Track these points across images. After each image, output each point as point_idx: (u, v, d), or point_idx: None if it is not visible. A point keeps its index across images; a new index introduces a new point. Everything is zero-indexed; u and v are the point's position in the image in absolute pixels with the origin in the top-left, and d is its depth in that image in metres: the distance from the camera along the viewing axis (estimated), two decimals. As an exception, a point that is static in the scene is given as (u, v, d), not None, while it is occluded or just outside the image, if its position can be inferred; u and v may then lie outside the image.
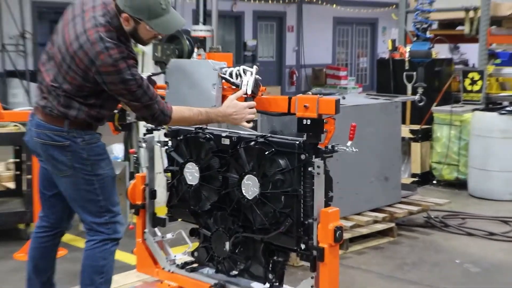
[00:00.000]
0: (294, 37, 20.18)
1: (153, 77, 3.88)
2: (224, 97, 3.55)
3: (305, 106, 3.25)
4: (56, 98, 3.29)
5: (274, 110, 3.50)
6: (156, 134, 3.99)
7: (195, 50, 3.71)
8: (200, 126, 3.75)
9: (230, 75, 3.54)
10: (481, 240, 5.88)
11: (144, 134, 3.96)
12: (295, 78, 20.10)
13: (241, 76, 3.52)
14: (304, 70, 20.05)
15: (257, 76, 3.46)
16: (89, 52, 3.16)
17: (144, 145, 3.95)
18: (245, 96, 3.43)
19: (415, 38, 7.67)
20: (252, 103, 3.47)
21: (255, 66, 3.50)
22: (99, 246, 3.40)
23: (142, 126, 4.25)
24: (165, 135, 3.91)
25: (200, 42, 5.13)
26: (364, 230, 5.54)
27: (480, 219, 6.50)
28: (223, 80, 3.54)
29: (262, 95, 3.53)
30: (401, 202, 6.09)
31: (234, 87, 3.53)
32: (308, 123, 3.24)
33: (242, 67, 3.54)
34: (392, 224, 5.79)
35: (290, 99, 3.36)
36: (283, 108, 3.42)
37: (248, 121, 3.49)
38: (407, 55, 7.97)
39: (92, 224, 3.41)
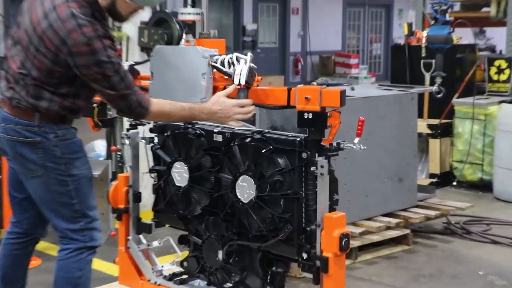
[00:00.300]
0: (299, 21, 20.19)
1: (138, 66, 3.89)
2: (215, 89, 3.55)
3: (306, 98, 3.25)
4: (24, 87, 3.27)
5: (271, 103, 3.50)
6: (141, 130, 4.00)
7: (183, 36, 3.70)
8: (190, 122, 3.75)
9: (222, 63, 3.55)
10: (508, 248, 5.88)
11: (128, 130, 3.97)
12: (300, 67, 20.10)
13: (234, 65, 3.52)
14: (310, 57, 20.06)
15: (252, 65, 3.45)
16: (60, 31, 3.13)
17: (127, 141, 3.97)
18: (238, 87, 3.43)
19: (433, 22, 7.67)
20: (244, 101, 3.41)
21: (249, 54, 3.50)
22: (73, 256, 3.40)
23: (126, 120, 4.26)
24: (151, 130, 3.92)
25: (189, 27, 5.13)
26: (375, 237, 5.54)
27: (506, 225, 6.51)
28: (214, 70, 3.54)
29: (257, 86, 3.53)
30: (417, 206, 6.09)
31: (226, 77, 3.53)
32: (310, 117, 3.24)
33: (235, 54, 3.54)
34: (407, 231, 5.79)
35: (289, 90, 3.36)
36: (281, 101, 3.42)
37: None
38: (423, 40, 7.96)
39: (66, 231, 3.41)
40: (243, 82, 3.41)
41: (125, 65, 3.81)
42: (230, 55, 3.56)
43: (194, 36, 5.38)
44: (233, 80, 3.43)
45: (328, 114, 3.25)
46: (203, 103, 3.44)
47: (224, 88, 3.55)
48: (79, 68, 3.17)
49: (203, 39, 3.86)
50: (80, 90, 3.31)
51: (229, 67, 3.54)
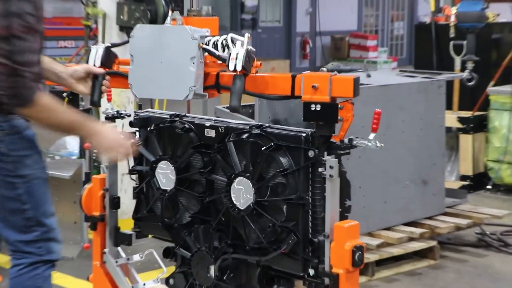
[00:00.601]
0: (249, 34, 20.18)
1: (116, 49, 3.90)
2: (207, 76, 3.57)
3: (313, 87, 3.26)
4: None
5: (273, 93, 3.51)
6: (119, 124, 4.01)
7: (170, 13, 3.71)
8: (178, 114, 3.77)
9: (215, 46, 3.56)
10: (551, 263, 5.90)
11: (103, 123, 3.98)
12: (309, 50, 20.11)
13: (228, 48, 3.53)
14: (320, 39, 20.06)
15: (250, 48, 3.47)
16: None
17: (103, 138, 3.97)
18: (234, 73, 3.44)
19: (464, -4, 7.68)
20: (133, 141, 3.50)
21: (247, 35, 3.51)
22: (27, 272, 3.41)
23: (102, 112, 4.28)
24: (131, 124, 3.93)
25: (175, 3, 5.14)
26: (396, 251, 5.56)
27: (550, 236, 6.53)
28: (205, 53, 3.55)
29: (256, 72, 3.54)
30: (445, 214, 6.11)
31: (219, 62, 3.54)
32: (318, 109, 3.26)
33: (230, 35, 3.55)
34: (434, 243, 5.81)
35: (294, 77, 3.37)
36: (284, 90, 3.43)
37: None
38: (452, 18, 7.97)
39: (18, 243, 3.41)
40: (239, 68, 3.42)
41: (101, 47, 3.82)
42: (224, 36, 3.57)
43: (182, 13, 5.39)
44: (227, 66, 3.44)
45: (339, 106, 3.26)
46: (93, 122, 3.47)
47: (217, 74, 3.57)
48: None
49: (193, 17, 3.85)
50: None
51: (223, 50, 3.55)
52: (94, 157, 5.30)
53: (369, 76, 5.98)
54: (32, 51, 3.18)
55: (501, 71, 8.22)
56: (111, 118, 3.99)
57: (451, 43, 8.02)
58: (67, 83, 3.66)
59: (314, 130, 3.30)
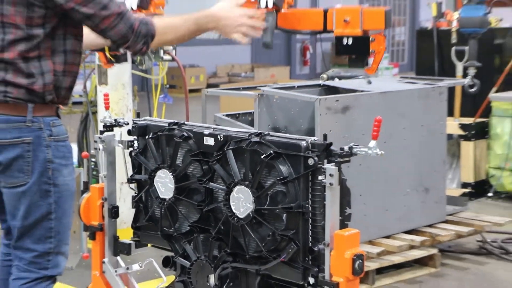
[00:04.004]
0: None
1: None
2: None
3: (345, 20, 3.29)
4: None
5: (304, 28, 3.53)
6: (117, 132, 4.03)
7: None
8: (176, 122, 3.79)
9: None
10: (554, 272, 5.92)
11: (101, 132, 4.00)
12: (309, 56, 20.13)
13: None
14: (321, 45, 19.94)
15: None
16: None
17: (101, 146, 3.99)
18: (266, 10, 3.46)
19: (466, 1, 7.70)
20: (253, 12, 3.47)
21: None
22: (31, 287, 3.44)
23: (100, 121, 4.30)
24: (130, 133, 3.95)
25: None
26: (397, 259, 5.58)
27: (552, 243, 6.54)
28: None
29: (288, 8, 3.55)
30: (446, 221, 6.13)
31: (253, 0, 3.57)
32: (350, 43, 3.27)
33: None
34: (434, 251, 5.83)
35: (325, 12, 3.38)
36: (316, 25, 3.45)
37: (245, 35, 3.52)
38: (454, 23, 8.00)
39: (29, 252, 3.44)
40: (270, 5, 3.45)
41: (132, 17, 3.90)
42: None
43: None
44: (259, 2, 3.47)
45: (371, 38, 3.27)
46: (207, 9, 3.51)
47: None
48: None
49: None
50: (68, 35, 3.39)
51: None
52: (92, 166, 5.32)
53: (369, 82, 5.99)
54: None
55: (504, 77, 8.23)
56: (109, 127, 4.01)
57: (453, 48, 8.03)
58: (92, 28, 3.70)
59: (315, 138, 3.33)
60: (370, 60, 3.39)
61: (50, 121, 3.39)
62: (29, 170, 3.34)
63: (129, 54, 4.11)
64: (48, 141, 3.36)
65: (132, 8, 3.87)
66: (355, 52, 3.26)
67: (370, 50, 3.26)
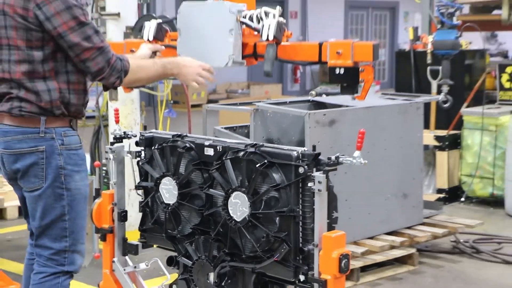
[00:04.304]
0: (298, 25, 20.27)
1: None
2: (245, 45, 3.58)
3: (337, 52, 3.29)
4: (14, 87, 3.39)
5: (301, 59, 3.55)
6: (126, 144, 4.01)
7: None
8: (180, 134, 3.78)
9: (250, 19, 3.59)
10: (520, 269, 5.90)
11: (112, 143, 3.98)
12: (299, 75, 20.15)
13: (262, 20, 3.57)
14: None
15: (281, 19, 3.51)
16: None
17: (111, 156, 3.97)
18: (267, 42, 3.48)
19: (439, 26, 7.71)
20: (208, 66, 3.59)
21: (278, 7, 3.57)
22: (49, 280, 3.43)
23: (110, 133, 4.27)
24: (137, 144, 3.93)
25: None
26: (379, 258, 5.56)
27: (519, 243, 6.53)
28: (243, 26, 3.58)
29: (287, 41, 3.58)
30: (423, 224, 6.11)
31: (256, 33, 3.57)
32: (342, 72, 3.28)
33: (263, 8, 3.61)
34: (413, 250, 5.81)
35: (320, 45, 3.41)
36: (312, 56, 3.47)
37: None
38: (429, 46, 7.99)
39: (48, 249, 3.44)
40: (271, 37, 3.45)
41: (154, 23, 3.90)
42: (258, 10, 3.64)
43: None
44: (260, 35, 3.48)
45: (360, 69, 3.28)
46: (172, 57, 3.61)
47: (254, 44, 3.61)
48: (51, 20, 3.25)
49: None
50: (69, 57, 3.40)
51: (258, 22, 3.59)
52: (103, 175, 5.30)
53: (353, 98, 5.97)
54: (98, 31, 3.41)
55: (473, 94, 8.24)
56: (118, 139, 3.99)
57: (428, 68, 8.03)
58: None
59: (305, 148, 3.31)
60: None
61: (62, 132, 3.40)
62: (43, 175, 3.36)
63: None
64: (60, 150, 3.36)
65: (148, 39, 3.87)
66: (346, 81, 3.28)
67: (360, 79, 3.27)
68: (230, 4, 3.65)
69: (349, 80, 3.28)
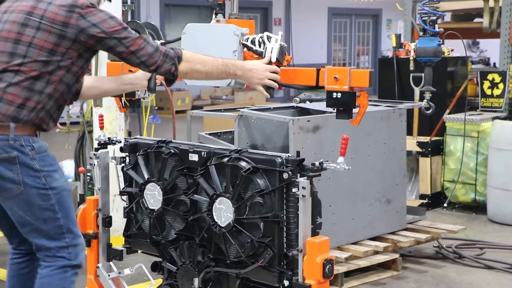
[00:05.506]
0: (282, 32, 20.30)
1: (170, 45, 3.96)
2: None
3: (335, 78, 3.35)
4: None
5: (300, 83, 3.63)
6: (110, 150, 4.01)
7: (213, 16, 3.86)
8: (164, 140, 3.77)
9: (253, 42, 3.67)
10: (503, 274, 5.91)
11: (96, 149, 3.98)
12: (283, 81, 20.15)
13: (264, 44, 3.65)
14: (294, 71, 20.12)
15: (283, 43, 3.61)
16: (64, 2, 3.35)
17: (96, 162, 3.96)
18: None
19: (421, 33, 7.73)
20: (275, 68, 3.61)
21: (280, 33, 3.67)
22: (58, 273, 3.43)
23: (94, 139, 4.26)
24: (122, 150, 3.92)
25: (219, 7, 5.20)
26: (362, 263, 5.56)
27: (501, 249, 6.54)
28: (245, 49, 3.64)
29: (287, 65, 3.65)
30: (406, 229, 6.12)
31: (256, 55, 3.64)
32: (339, 96, 3.34)
33: (266, 33, 3.70)
34: (396, 255, 5.81)
35: (318, 70, 3.48)
36: (310, 81, 3.55)
37: (267, 90, 3.63)
38: (412, 53, 8.02)
39: (51, 249, 3.42)
40: (273, 60, 3.54)
41: (157, 43, 3.90)
42: (260, 34, 3.72)
43: (224, 16, 5.44)
44: (263, 57, 3.58)
45: (357, 94, 3.34)
46: (238, 60, 3.64)
47: None
48: (97, 25, 3.35)
49: (234, 19, 3.98)
50: (71, 70, 3.43)
51: (259, 46, 3.65)
52: (88, 180, 5.27)
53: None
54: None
55: (455, 100, 8.27)
56: (103, 145, 3.99)
57: (411, 75, 8.05)
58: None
59: (289, 154, 3.32)
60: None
61: (29, 139, 3.36)
62: (20, 180, 3.32)
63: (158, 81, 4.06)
64: (32, 155, 3.34)
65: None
66: (343, 105, 3.35)
67: (356, 104, 3.36)
68: (235, 28, 3.74)
69: (345, 104, 3.36)
